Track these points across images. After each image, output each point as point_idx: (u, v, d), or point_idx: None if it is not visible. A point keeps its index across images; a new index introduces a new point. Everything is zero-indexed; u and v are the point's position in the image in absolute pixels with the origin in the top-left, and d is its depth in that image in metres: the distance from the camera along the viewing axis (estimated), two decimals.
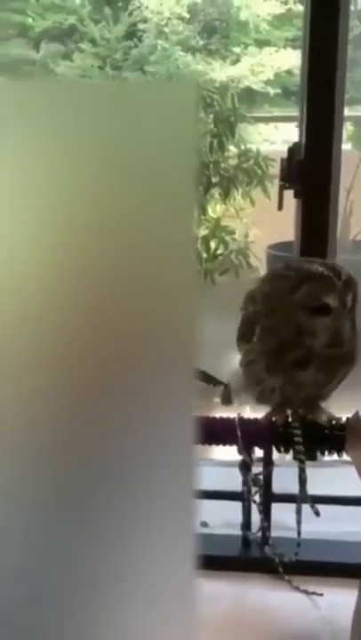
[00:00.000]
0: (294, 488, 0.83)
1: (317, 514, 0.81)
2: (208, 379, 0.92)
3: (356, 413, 0.66)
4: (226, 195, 2.20)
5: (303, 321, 0.74)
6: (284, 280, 0.76)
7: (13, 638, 0.39)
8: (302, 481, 0.82)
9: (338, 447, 0.80)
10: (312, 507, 0.81)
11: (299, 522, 0.82)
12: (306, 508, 0.82)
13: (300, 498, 0.81)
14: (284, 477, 0.85)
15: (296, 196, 1.14)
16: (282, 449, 0.83)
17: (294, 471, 0.83)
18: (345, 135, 2.60)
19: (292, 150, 1.15)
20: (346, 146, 2.42)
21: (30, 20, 4.33)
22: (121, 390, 0.36)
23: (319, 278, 0.74)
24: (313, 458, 0.85)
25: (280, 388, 0.79)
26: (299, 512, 0.82)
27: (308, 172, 1.13)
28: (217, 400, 0.94)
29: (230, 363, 0.92)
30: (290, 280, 0.76)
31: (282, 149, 1.24)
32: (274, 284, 0.79)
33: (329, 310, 0.74)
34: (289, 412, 0.82)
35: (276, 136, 3.76)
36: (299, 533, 0.82)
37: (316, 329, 0.74)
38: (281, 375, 0.78)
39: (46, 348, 0.36)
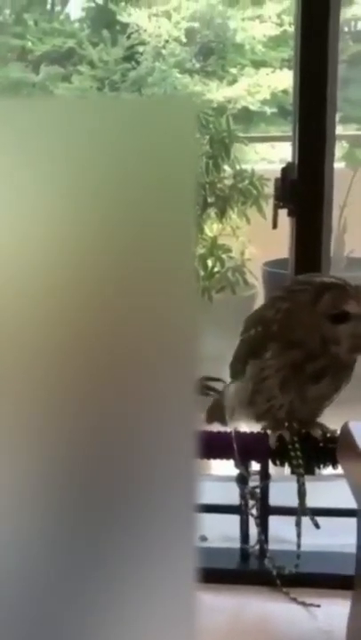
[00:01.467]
0: (291, 501, 0.84)
1: (317, 526, 0.82)
2: (209, 381, 0.93)
3: (346, 425, 0.68)
4: (222, 214, 2.23)
5: (326, 330, 0.77)
6: (304, 294, 0.79)
7: None
8: (302, 494, 0.83)
9: (332, 460, 0.81)
10: (312, 519, 0.82)
11: (299, 534, 0.83)
12: (304, 520, 0.83)
13: (301, 511, 0.82)
14: (281, 491, 0.86)
15: (290, 214, 1.17)
16: (278, 462, 0.84)
17: (290, 484, 0.84)
18: (340, 153, 2.64)
19: (286, 170, 1.18)
20: (340, 164, 2.45)
21: (29, 43, 4.39)
22: (122, 405, 0.37)
23: (336, 287, 0.77)
24: (311, 472, 0.86)
25: (289, 404, 0.81)
26: (298, 525, 0.83)
27: (301, 191, 1.15)
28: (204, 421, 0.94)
29: (227, 375, 0.93)
30: (309, 293, 0.78)
31: (279, 168, 1.26)
32: (294, 299, 0.80)
33: (348, 317, 0.77)
34: (286, 424, 0.83)
35: (274, 155, 3.80)
36: (299, 546, 0.82)
37: (340, 336, 0.77)
38: (293, 391, 0.80)
39: (46, 363, 0.37)
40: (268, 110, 4.18)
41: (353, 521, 0.71)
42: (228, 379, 0.93)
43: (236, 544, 0.88)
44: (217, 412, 0.92)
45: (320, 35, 1.12)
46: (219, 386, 0.95)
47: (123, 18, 4.23)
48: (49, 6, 4.59)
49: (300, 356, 0.79)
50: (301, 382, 0.80)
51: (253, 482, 0.86)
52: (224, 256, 2.24)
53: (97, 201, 0.36)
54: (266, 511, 0.86)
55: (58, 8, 4.61)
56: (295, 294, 0.81)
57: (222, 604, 0.82)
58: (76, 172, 0.36)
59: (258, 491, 0.85)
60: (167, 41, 4.18)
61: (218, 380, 0.94)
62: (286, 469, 0.85)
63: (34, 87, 4.20)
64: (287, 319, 0.80)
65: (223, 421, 0.91)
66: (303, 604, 0.81)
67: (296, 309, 0.80)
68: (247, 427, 0.88)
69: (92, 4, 4.47)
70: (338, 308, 0.77)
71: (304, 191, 1.14)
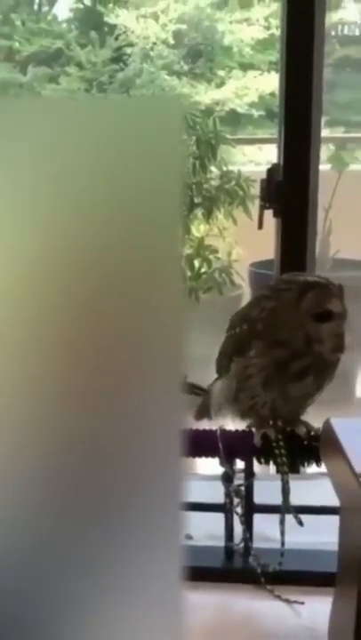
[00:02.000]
0: (275, 499, 0.85)
1: (301, 524, 0.83)
2: (194, 389, 0.94)
3: (328, 421, 0.68)
4: (209, 215, 2.24)
5: (310, 329, 0.78)
6: (289, 293, 0.80)
7: None
8: (286, 492, 0.84)
9: (316, 458, 0.82)
10: (295, 517, 0.83)
11: (282, 532, 0.83)
12: (287, 518, 0.83)
13: (284, 509, 0.83)
14: (265, 489, 0.87)
15: (275, 215, 1.18)
16: (262, 461, 0.85)
17: (275, 483, 0.85)
18: (326, 155, 2.66)
19: (271, 171, 1.19)
20: (326, 166, 2.47)
21: (17, 44, 4.37)
22: (109, 404, 0.38)
23: (320, 286, 0.79)
24: (296, 471, 0.87)
25: (272, 402, 0.82)
26: (282, 522, 0.84)
27: (287, 192, 1.16)
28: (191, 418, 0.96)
29: (214, 375, 0.94)
30: (293, 292, 0.79)
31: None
32: (279, 297, 0.82)
33: (331, 316, 0.78)
34: (271, 422, 0.84)
35: (261, 157, 3.81)
36: (283, 543, 0.83)
37: (323, 335, 0.78)
38: (276, 389, 0.81)
39: (32, 361, 0.37)
40: (256, 113, 4.19)
41: (336, 519, 0.72)
42: (214, 375, 0.94)
43: (222, 542, 0.88)
44: (205, 410, 0.93)
45: (305, 38, 1.13)
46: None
47: (110, 19, 4.23)
48: (36, 7, 4.58)
49: (284, 354, 0.80)
50: (284, 381, 0.81)
51: (238, 480, 0.87)
52: (211, 257, 2.26)
53: (84, 201, 0.37)
54: (250, 509, 0.87)
55: (45, 9, 4.60)
56: (280, 293, 0.82)
57: (207, 602, 0.82)
58: (63, 171, 0.37)
59: (243, 489, 0.86)
60: (155, 43, 4.18)
61: (203, 389, 0.95)
62: (272, 468, 0.86)
63: (21, 88, 4.19)
64: (272, 318, 0.81)
65: (210, 418, 0.92)
66: (287, 601, 0.81)
67: (281, 308, 0.81)
68: (233, 423, 0.89)
69: (80, 5, 4.46)
70: (321, 306, 0.78)
71: (289, 192, 1.16)
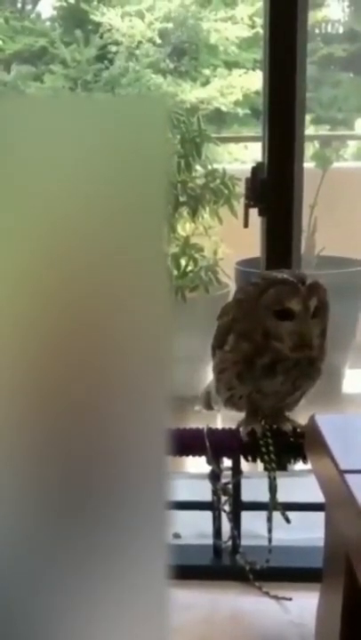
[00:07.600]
0: (263, 496, 0.85)
1: (288, 521, 0.83)
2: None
3: (312, 418, 0.69)
4: (194, 213, 2.23)
5: (270, 325, 0.79)
6: (253, 287, 0.81)
7: None
8: (273, 489, 0.84)
9: (303, 455, 0.82)
10: (283, 514, 0.83)
11: (270, 529, 0.84)
12: (274, 515, 0.84)
13: (272, 506, 0.84)
14: (253, 486, 0.87)
15: (260, 213, 1.18)
16: (249, 458, 0.85)
17: (262, 480, 0.85)
18: (310, 153, 2.67)
19: (256, 170, 1.19)
20: (310, 164, 2.48)
21: (0, 42, 4.34)
22: (95, 403, 0.38)
23: (283, 283, 0.79)
24: (283, 468, 0.87)
25: (248, 396, 0.83)
26: (270, 520, 0.84)
27: (271, 190, 1.17)
28: (197, 408, 0.97)
29: (201, 374, 0.95)
30: (258, 286, 0.80)
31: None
32: (244, 291, 0.83)
33: (293, 315, 0.78)
34: (260, 419, 0.85)
35: (247, 155, 3.82)
36: (270, 540, 0.84)
37: (282, 332, 0.79)
38: (250, 384, 0.82)
39: (22, 364, 0.37)
40: (241, 111, 4.20)
41: (323, 515, 0.72)
42: (202, 375, 0.95)
43: (210, 540, 0.89)
44: (207, 400, 0.95)
45: (288, 36, 1.13)
46: None
47: (95, 17, 4.21)
48: (20, 5, 4.55)
49: (249, 349, 0.82)
50: (256, 377, 0.82)
51: (226, 478, 0.87)
52: (197, 255, 2.25)
53: (68, 200, 0.36)
54: (238, 507, 0.87)
55: (29, 7, 4.58)
56: (249, 287, 0.84)
57: (197, 600, 0.83)
58: (47, 170, 0.36)
59: (230, 487, 0.86)
60: (140, 41, 4.16)
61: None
62: (259, 466, 0.87)
63: (5, 86, 4.16)
64: (237, 310, 0.83)
65: (211, 407, 0.94)
66: (276, 597, 0.82)
67: (245, 301, 0.83)
68: (232, 419, 0.90)
69: (64, 3, 4.44)
70: (281, 304, 0.79)
71: (274, 190, 1.16)
